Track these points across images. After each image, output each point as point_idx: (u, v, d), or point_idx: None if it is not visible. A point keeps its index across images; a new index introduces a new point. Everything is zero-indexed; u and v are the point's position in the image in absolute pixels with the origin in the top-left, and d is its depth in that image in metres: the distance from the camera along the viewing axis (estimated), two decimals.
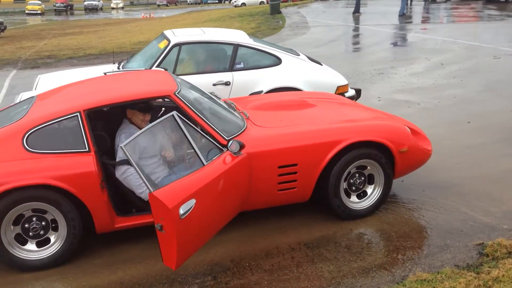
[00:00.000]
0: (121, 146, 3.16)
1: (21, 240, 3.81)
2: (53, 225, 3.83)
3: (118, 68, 6.73)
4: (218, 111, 4.37)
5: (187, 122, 3.61)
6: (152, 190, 3.14)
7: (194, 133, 3.66)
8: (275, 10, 28.33)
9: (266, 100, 5.13)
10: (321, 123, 4.38)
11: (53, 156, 3.73)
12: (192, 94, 4.35)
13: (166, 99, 4.05)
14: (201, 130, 3.91)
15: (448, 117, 7.34)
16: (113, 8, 66.51)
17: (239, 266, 3.78)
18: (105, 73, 5.66)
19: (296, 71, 6.68)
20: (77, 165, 3.71)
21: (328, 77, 6.81)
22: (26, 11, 55.99)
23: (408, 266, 3.68)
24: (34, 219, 3.78)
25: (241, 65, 6.57)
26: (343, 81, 6.85)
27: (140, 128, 4.07)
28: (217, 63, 6.60)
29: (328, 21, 23.29)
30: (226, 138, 3.94)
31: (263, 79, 6.52)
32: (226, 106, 4.58)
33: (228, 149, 3.79)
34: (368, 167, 4.36)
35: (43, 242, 3.85)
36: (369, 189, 4.45)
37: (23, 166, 3.65)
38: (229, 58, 6.54)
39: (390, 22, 21.30)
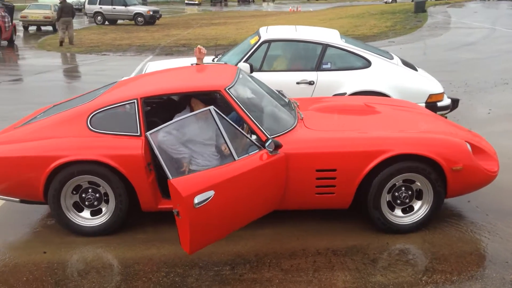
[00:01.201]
0: (146, 134, 3.45)
1: (78, 207, 4.31)
2: (105, 198, 4.28)
3: (212, 60, 7.10)
4: (271, 109, 4.49)
5: (224, 118, 3.79)
6: (170, 178, 3.38)
7: (231, 129, 3.83)
8: (419, 8, 27.24)
9: (330, 103, 5.12)
10: (372, 131, 4.28)
11: (110, 136, 4.16)
12: (247, 91, 4.51)
13: (216, 94, 4.25)
14: (246, 127, 4.08)
15: None
16: (264, 1, 68.59)
17: (260, 261, 3.89)
18: (191, 64, 6.02)
19: (384, 75, 6.50)
20: (127, 147, 4.09)
21: (419, 84, 6.53)
22: (186, 1, 60.20)
23: None
24: (90, 190, 4.25)
25: (328, 66, 6.56)
26: (436, 89, 6.52)
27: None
28: (303, 62, 6.66)
29: (474, 23, 21.83)
30: (269, 136, 4.05)
31: (349, 81, 6.45)
32: (284, 106, 4.67)
33: (265, 147, 3.91)
34: (417, 182, 4.18)
35: (96, 212, 4.32)
36: (416, 205, 4.26)
37: (84, 143, 4.13)
38: (316, 58, 6.56)
39: None
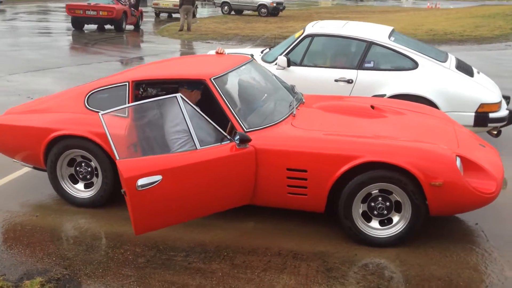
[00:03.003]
0: (99, 113, 3.63)
1: (74, 179, 4.66)
2: (96, 172, 4.57)
3: (262, 52, 7.12)
4: (261, 103, 4.45)
5: (192, 107, 3.85)
6: (117, 158, 3.54)
7: (199, 119, 3.88)
8: None
9: (337, 102, 4.92)
10: (353, 135, 4.06)
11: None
12: (244, 83, 4.53)
13: (201, 83, 4.30)
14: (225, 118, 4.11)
15: None
16: None
17: (217, 253, 3.91)
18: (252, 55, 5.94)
19: (431, 79, 6.05)
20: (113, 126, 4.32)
21: (470, 91, 5.97)
22: None
23: None
24: (83, 164, 4.58)
25: (371, 64, 6.27)
26: (491, 98, 5.93)
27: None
28: (345, 59, 6.44)
29: None
30: (245, 129, 4.05)
31: (390, 82, 6.12)
32: (282, 101, 4.60)
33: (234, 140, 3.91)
34: (394, 194, 3.89)
35: (89, 185, 4.64)
36: (395, 217, 3.97)
37: (77, 119, 4.45)
38: (359, 55, 6.30)
39: None
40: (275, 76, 5.18)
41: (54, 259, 3.82)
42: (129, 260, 3.82)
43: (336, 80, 6.26)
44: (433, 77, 6.08)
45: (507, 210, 4.62)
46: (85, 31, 19.94)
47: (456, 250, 3.97)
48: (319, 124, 4.31)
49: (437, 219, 4.33)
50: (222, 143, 3.91)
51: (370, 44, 6.28)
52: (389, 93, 6.07)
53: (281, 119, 4.28)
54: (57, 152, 4.51)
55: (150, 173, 3.55)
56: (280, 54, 6.48)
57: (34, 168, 4.87)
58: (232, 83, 4.46)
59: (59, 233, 4.24)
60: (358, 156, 3.83)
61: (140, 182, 3.51)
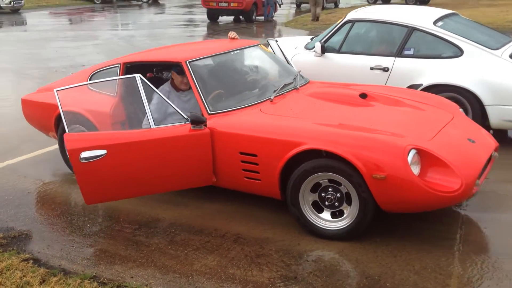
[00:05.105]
0: (54, 90, 3.97)
1: None
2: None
3: (311, 39, 6.97)
4: (237, 89, 4.50)
5: (151, 88, 4.04)
6: (67, 131, 3.87)
7: (158, 100, 4.07)
8: None
9: (330, 89, 4.67)
10: (307, 123, 3.88)
11: (95, 93, 4.78)
12: (216, 68, 4.61)
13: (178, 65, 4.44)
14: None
15: None
16: None
17: (165, 230, 4.04)
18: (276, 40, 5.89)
19: (475, 68, 5.44)
20: (100, 104, 4.66)
21: None
22: None
23: None
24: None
25: (411, 52, 5.80)
26: None
27: (179, 89, 4.64)
28: (384, 46, 6.04)
29: None
30: (208, 111, 4.13)
31: (429, 71, 5.62)
32: (262, 88, 4.56)
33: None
34: (343, 184, 3.65)
35: None
36: (346, 210, 3.73)
37: (78, 96, 4.84)
38: (399, 42, 5.87)
39: None
40: (282, 63, 5.10)
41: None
42: (85, 228, 4.12)
43: (371, 68, 5.91)
44: (478, 66, 5.44)
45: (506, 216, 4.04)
46: (220, 23, 21.01)
47: (410, 251, 3.60)
48: (291, 111, 4.17)
49: (416, 216, 3.95)
50: (179, 123, 4.03)
51: (411, 29, 5.80)
52: (426, 83, 5.58)
53: (250, 104, 4.25)
54: (62, 126, 4.98)
55: (94, 147, 3.80)
56: (321, 40, 6.30)
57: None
58: (212, 68, 4.53)
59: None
60: (301, 142, 3.67)
61: (84, 154, 3.78)
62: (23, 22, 22.73)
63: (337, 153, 3.52)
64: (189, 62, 4.35)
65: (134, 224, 4.15)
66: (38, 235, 4.02)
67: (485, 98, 5.30)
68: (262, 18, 22.05)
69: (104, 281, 3.36)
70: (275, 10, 23.13)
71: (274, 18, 22.40)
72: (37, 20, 23.05)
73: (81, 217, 4.31)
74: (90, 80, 4.93)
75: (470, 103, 5.39)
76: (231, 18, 21.66)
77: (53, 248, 3.82)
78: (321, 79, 5.46)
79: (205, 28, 19.50)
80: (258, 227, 4.02)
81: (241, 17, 21.15)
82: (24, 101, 5.42)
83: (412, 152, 3.47)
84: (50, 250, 3.78)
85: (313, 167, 3.66)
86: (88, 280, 3.34)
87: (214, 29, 19.10)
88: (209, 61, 4.57)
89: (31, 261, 3.60)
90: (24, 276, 3.38)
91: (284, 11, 26.31)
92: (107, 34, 17.68)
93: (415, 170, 3.46)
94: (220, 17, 21.59)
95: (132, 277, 3.42)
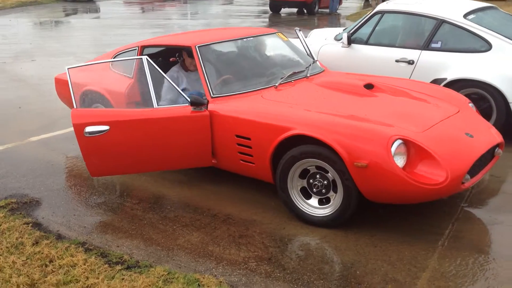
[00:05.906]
0: (66, 67, 4.21)
1: None
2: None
3: (343, 30, 6.90)
4: (245, 75, 4.59)
5: (157, 69, 4.22)
6: (75, 107, 4.12)
7: (163, 81, 4.25)
8: None
9: (339, 79, 4.64)
10: (300, 109, 3.92)
11: (115, 74, 5.03)
12: (226, 53, 4.74)
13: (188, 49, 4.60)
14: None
15: None
16: None
17: (162, 206, 4.22)
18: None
19: (502, 64, 5.24)
20: (116, 84, 4.90)
21: None
22: None
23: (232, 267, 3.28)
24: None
25: (438, 45, 5.65)
26: None
27: (188, 69, 4.83)
28: (411, 38, 5.91)
29: None
30: (212, 94, 4.26)
31: (454, 65, 5.46)
32: (271, 75, 4.62)
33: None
34: (330, 172, 3.67)
35: None
36: (332, 198, 3.74)
37: (99, 77, 5.09)
38: (426, 34, 5.72)
39: None
40: (299, 51, 5.12)
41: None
42: (90, 199, 4.37)
43: (397, 61, 5.80)
44: (506, 62, 5.21)
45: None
46: (282, 15, 21.07)
47: (392, 242, 3.56)
48: (291, 98, 4.21)
49: (407, 207, 3.90)
50: (181, 105, 4.18)
51: (440, 22, 5.64)
52: (450, 77, 5.42)
53: (253, 90, 4.33)
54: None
55: (98, 123, 4.03)
56: (350, 31, 6.25)
57: None
58: (223, 54, 4.65)
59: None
60: (290, 128, 3.71)
61: (88, 129, 4.02)
62: (96, 10, 23.77)
63: (321, 139, 3.53)
64: (198, 46, 4.48)
65: (135, 199, 4.36)
66: (47, 202, 4.30)
67: (510, 95, 5.08)
68: (327, 10, 21.88)
69: (90, 248, 3.57)
70: (340, 3, 22.86)
71: (338, 11, 22.15)
72: (110, 8, 24.05)
73: (90, 189, 4.57)
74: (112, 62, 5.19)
75: (495, 100, 5.19)
76: (294, 10, 21.66)
77: (57, 215, 4.09)
78: (346, 70, 5.46)
79: (266, 19, 19.62)
80: (249, 209, 4.11)
81: (304, 9, 21.10)
82: (57, 79, 5.78)
83: (397, 142, 3.43)
84: (53, 217, 4.05)
85: (300, 153, 3.70)
86: (76, 245, 3.57)
87: (274, 20, 19.17)
88: (221, 47, 4.69)
89: (31, 224, 3.87)
90: (20, 237, 3.66)
91: (355, 4, 25.98)
92: (171, 23, 18.23)
93: (400, 160, 3.42)
94: (282, 8, 21.64)
95: (118, 246, 3.61)
